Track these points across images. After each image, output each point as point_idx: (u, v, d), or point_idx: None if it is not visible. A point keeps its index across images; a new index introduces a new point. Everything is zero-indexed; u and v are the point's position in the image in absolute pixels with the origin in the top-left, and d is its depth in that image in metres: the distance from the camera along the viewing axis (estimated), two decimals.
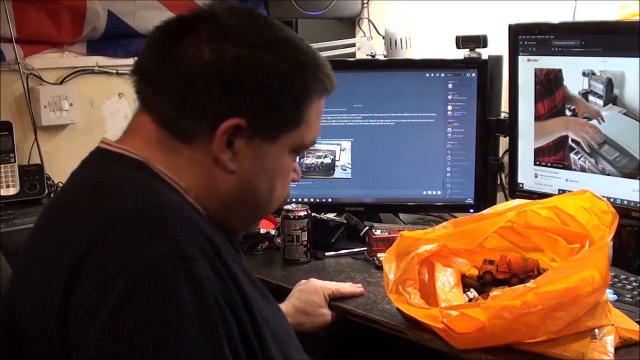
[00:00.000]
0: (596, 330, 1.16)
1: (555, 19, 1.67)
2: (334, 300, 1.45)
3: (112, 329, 0.74)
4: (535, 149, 1.68)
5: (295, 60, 0.91)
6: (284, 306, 1.37)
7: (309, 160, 1.86)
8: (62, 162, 2.10)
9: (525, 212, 1.33)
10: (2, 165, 1.95)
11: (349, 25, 2.39)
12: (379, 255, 1.61)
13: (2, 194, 1.93)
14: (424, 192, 1.85)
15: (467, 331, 1.15)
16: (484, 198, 1.84)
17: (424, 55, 2.05)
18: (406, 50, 2.04)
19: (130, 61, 2.17)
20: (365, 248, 1.71)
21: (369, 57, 2.09)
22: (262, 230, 1.81)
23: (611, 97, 1.50)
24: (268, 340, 0.86)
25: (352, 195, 1.87)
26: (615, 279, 1.39)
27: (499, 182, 1.89)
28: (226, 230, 0.96)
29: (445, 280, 1.33)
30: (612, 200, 1.46)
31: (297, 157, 1.01)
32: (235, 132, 0.89)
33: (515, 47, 1.66)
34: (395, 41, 2.03)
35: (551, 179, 1.66)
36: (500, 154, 1.90)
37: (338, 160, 1.86)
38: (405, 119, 1.82)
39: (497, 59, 1.84)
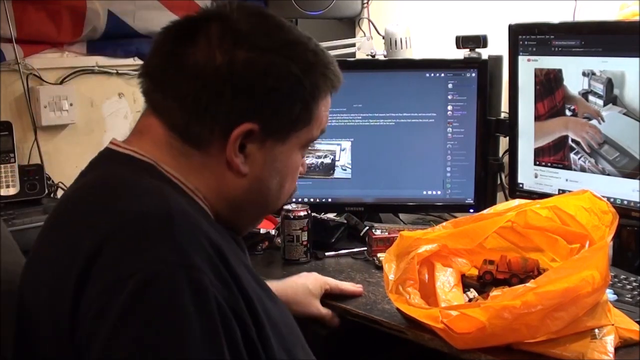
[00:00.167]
0: (596, 330, 1.16)
1: (555, 19, 1.67)
2: (334, 300, 1.45)
3: (121, 329, 0.74)
4: (535, 149, 1.68)
5: (305, 63, 0.92)
6: (275, 285, 1.37)
7: (309, 160, 1.85)
8: (62, 162, 2.10)
9: (525, 212, 1.33)
10: (2, 165, 1.95)
11: (349, 25, 2.39)
12: (379, 255, 1.61)
13: (2, 194, 1.93)
14: (424, 192, 1.85)
15: (467, 331, 1.15)
16: (484, 198, 1.84)
17: (424, 55, 2.05)
18: (406, 50, 2.04)
19: (131, 61, 2.18)
20: (365, 248, 1.71)
21: (369, 57, 2.09)
22: (262, 230, 1.81)
23: (611, 97, 1.50)
24: (272, 342, 0.86)
25: (352, 195, 1.87)
26: (615, 279, 1.39)
27: (499, 182, 1.89)
28: (233, 229, 0.96)
29: (445, 280, 1.33)
30: (612, 200, 1.46)
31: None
32: (248, 136, 0.89)
33: (515, 47, 1.66)
34: (395, 41, 2.03)
35: (551, 179, 1.66)
36: (500, 154, 1.90)
37: (338, 160, 1.86)
38: (405, 119, 1.82)
39: (497, 59, 1.84)
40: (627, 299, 1.33)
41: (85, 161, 0.98)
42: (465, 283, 1.37)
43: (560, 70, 1.59)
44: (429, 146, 1.83)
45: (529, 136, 1.68)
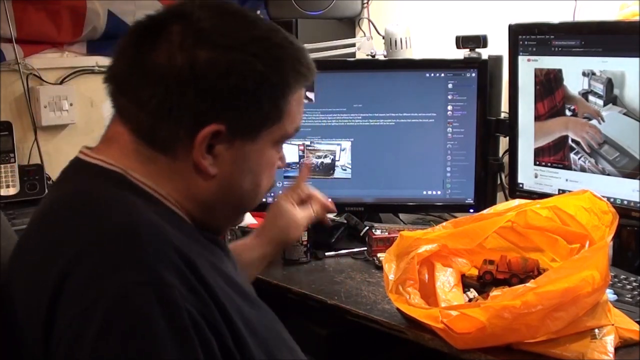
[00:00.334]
0: (596, 330, 1.16)
1: (555, 19, 1.67)
2: (334, 300, 1.45)
3: (96, 357, 0.74)
4: (535, 149, 1.68)
5: (271, 58, 0.89)
6: (257, 239, 1.35)
7: (309, 160, 1.85)
8: (62, 162, 2.05)
9: (525, 212, 1.33)
10: (2, 165, 1.95)
11: (349, 25, 2.39)
12: (379, 255, 1.61)
13: (2, 194, 1.93)
14: (424, 192, 1.85)
15: (467, 331, 1.15)
16: (484, 198, 1.84)
17: (424, 55, 2.05)
18: (406, 50, 2.04)
19: None
20: (365, 248, 1.71)
21: (369, 57, 2.09)
22: None
23: (611, 97, 1.50)
24: (251, 348, 0.85)
25: (352, 195, 1.87)
26: (615, 279, 1.39)
27: (499, 182, 1.89)
28: (211, 231, 0.95)
29: (445, 280, 1.33)
30: (612, 200, 1.46)
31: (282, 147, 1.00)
32: (215, 137, 0.87)
33: (515, 47, 1.66)
34: (395, 41, 2.03)
35: (551, 179, 1.66)
36: (500, 154, 1.90)
37: (338, 160, 1.86)
38: (405, 119, 1.82)
39: (497, 59, 1.84)
40: (627, 299, 1.33)
41: None
42: (465, 283, 1.37)
43: (560, 70, 1.59)
44: (429, 146, 1.83)
45: (529, 136, 1.68)
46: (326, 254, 1.73)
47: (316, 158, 1.86)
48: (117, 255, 0.78)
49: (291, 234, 1.36)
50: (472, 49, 1.82)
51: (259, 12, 2.30)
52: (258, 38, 0.89)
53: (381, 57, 2.06)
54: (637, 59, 1.44)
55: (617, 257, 1.54)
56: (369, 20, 2.29)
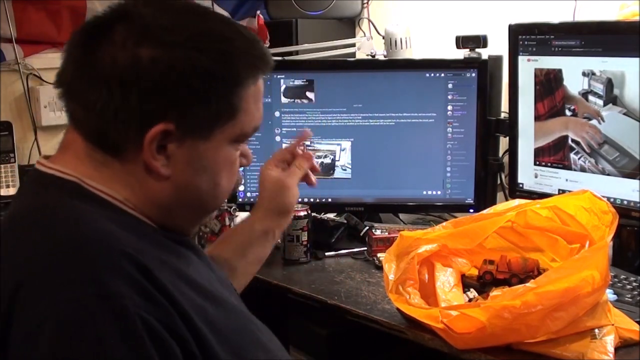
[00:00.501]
0: (596, 330, 1.16)
1: (555, 19, 1.67)
2: (334, 300, 1.45)
3: None
4: (535, 149, 1.68)
5: (217, 52, 0.86)
6: (253, 215, 1.29)
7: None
8: None
9: (525, 212, 1.33)
10: (2, 165, 1.95)
11: (349, 25, 2.39)
12: (379, 255, 1.61)
13: (2, 194, 1.93)
14: (424, 192, 1.85)
15: (467, 331, 1.15)
16: (484, 198, 1.84)
17: (424, 55, 2.05)
18: (406, 50, 2.04)
19: None
20: (365, 248, 1.71)
21: (369, 57, 2.09)
22: None
23: (611, 97, 1.50)
24: (217, 351, 0.83)
25: (352, 195, 1.87)
26: (615, 279, 1.39)
27: (499, 182, 1.89)
28: (177, 232, 0.93)
29: (445, 280, 1.33)
30: (612, 200, 1.46)
31: (244, 143, 0.96)
32: (165, 137, 0.85)
33: (515, 47, 1.66)
34: (395, 41, 2.03)
35: (551, 179, 1.66)
36: (500, 154, 1.90)
37: (338, 160, 1.86)
38: (405, 119, 1.82)
39: (497, 59, 1.84)
40: (627, 299, 1.33)
41: None
42: (465, 283, 1.37)
43: (560, 70, 1.59)
44: (429, 146, 1.83)
45: (529, 136, 1.68)
46: (326, 254, 1.73)
47: (316, 158, 1.86)
48: (65, 270, 0.76)
49: (284, 199, 1.27)
50: (472, 49, 1.82)
51: (259, 12, 2.31)
52: (203, 32, 0.87)
53: (381, 57, 2.06)
54: (637, 59, 1.44)
55: (617, 257, 1.54)
56: (369, 20, 2.29)
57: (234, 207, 1.78)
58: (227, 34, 0.88)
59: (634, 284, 1.38)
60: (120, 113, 0.84)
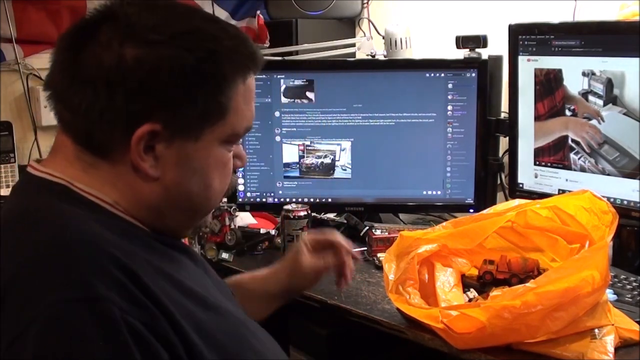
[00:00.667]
0: (596, 330, 1.16)
1: (555, 19, 1.67)
2: (334, 300, 1.45)
3: None
4: (535, 149, 1.68)
5: (204, 51, 0.84)
6: (267, 272, 1.29)
7: (309, 160, 1.86)
8: None
9: (525, 212, 1.33)
10: (2, 165, 1.95)
11: (349, 25, 2.39)
12: (379, 255, 1.61)
13: (2, 194, 1.93)
14: (424, 192, 1.85)
15: (467, 331, 1.15)
16: (484, 198, 1.84)
17: (424, 55, 2.06)
18: (406, 50, 2.04)
19: None
20: (365, 248, 1.71)
21: (369, 57, 2.09)
22: (262, 230, 1.81)
23: (611, 97, 1.50)
24: (205, 356, 0.82)
25: (352, 195, 1.87)
26: (615, 279, 1.39)
27: (499, 182, 1.89)
28: (169, 235, 0.92)
29: (445, 280, 1.33)
30: (612, 200, 1.46)
31: (238, 143, 0.95)
32: (153, 137, 0.84)
33: (515, 47, 1.66)
34: (395, 41, 2.03)
35: (551, 179, 1.66)
36: (500, 154, 1.90)
37: (338, 160, 1.86)
38: (405, 119, 1.82)
39: (497, 59, 1.84)
40: (627, 299, 1.33)
41: None
42: (465, 283, 1.37)
43: (560, 70, 1.59)
44: (429, 146, 1.83)
45: (529, 136, 1.68)
46: None
47: (316, 158, 1.86)
48: (51, 272, 0.76)
49: (295, 280, 1.28)
50: (472, 49, 1.82)
51: (259, 12, 2.31)
52: (189, 31, 0.85)
53: (381, 57, 2.06)
54: (637, 59, 1.44)
55: (617, 257, 1.54)
56: (369, 20, 2.29)
57: (234, 207, 1.78)
58: (213, 32, 0.87)
59: (634, 284, 1.38)
60: (105, 113, 0.83)
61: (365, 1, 2.33)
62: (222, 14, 2.25)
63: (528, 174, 1.70)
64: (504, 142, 1.86)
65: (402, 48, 2.03)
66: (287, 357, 1.01)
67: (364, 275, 1.59)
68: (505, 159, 1.81)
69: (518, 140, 1.71)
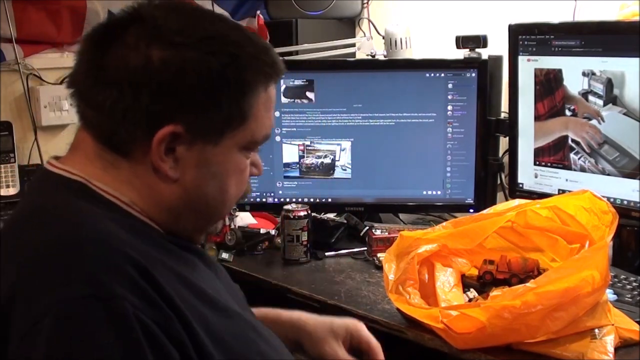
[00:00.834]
0: (596, 330, 1.16)
1: (555, 19, 1.67)
2: (334, 300, 1.45)
3: None
4: (535, 149, 1.68)
5: (227, 56, 0.86)
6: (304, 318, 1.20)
7: (309, 160, 1.86)
8: None
9: (525, 212, 1.33)
10: (2, 165, 1.95)
11: (349, 25, 2.39)
12: (379, 255, 1.61)
13: (2, 194, 1.93)
14: (424, 192, 1.85)
15: (467, 331, 1.15)
16: (484, 198, 1.84)
17: (424, 55, 2.05)
18: (406, 50, 2.04)
19: None
20: (365, 248, 1.71)
21: (369, 57, 2.09)
22: (262, 230, 1.81)
23: (611, 97, 1.51)
24: (214, 357, 0.82)
25: (352, 195, 1.87)
26: (615, 279, 1.39)
27: (499, 182, 1.89)
28: (183, 238, 0.93)
29: (445, 280, 1.33)
30: (612, 200, 1.46)
31: (256, 151, 0.95)
32: (174, 139, 0.85)
33: (515, 47, 1.66)
34: (395, 41, 2.03)
35: (551, 179, 1.66)
36: (500, 154, 1.90)
37: (338, 160, 1.86)
38: (405, 119, 1.82)
39: (497, 59, 1.84)
40: (627, 299, 1.33)
41: None
42: (465, 283, 1.37)
43: (560, 70, 1.59)
44: (429, 146, 1.83)
45: (529, 136, 1.68)
46: (326, 254, 1.73)
47: (316, 158, 1.86)
48: (64, 269, 0.76)
49: (304, 344, 1.17)
50: (472, 49, 1.82)
51: (259, 12, 2.31)
52: (214, 36, 0.87)
53: (381, 57, 2.06)
54: (637, 59, 1.44)
55: (617, 257, 1.54)
56: (369, 20, 2.29)
57: (234, 207, 1.78)
58: (237, 39, 0.88)
59: (634, 284, 1.38)
60: (129, 113, 0.84)
61: (365, 1, 2.33)
62: (222, 13, 2.25)
63: (528, 174, 1.70)
64: (504, 142, 1.86)
65: (402, 48, 2.03)
66: None
67: (364, 275, 1.59)
68: (505, 159, 1.81)
69: (518, 140, 1.71)
